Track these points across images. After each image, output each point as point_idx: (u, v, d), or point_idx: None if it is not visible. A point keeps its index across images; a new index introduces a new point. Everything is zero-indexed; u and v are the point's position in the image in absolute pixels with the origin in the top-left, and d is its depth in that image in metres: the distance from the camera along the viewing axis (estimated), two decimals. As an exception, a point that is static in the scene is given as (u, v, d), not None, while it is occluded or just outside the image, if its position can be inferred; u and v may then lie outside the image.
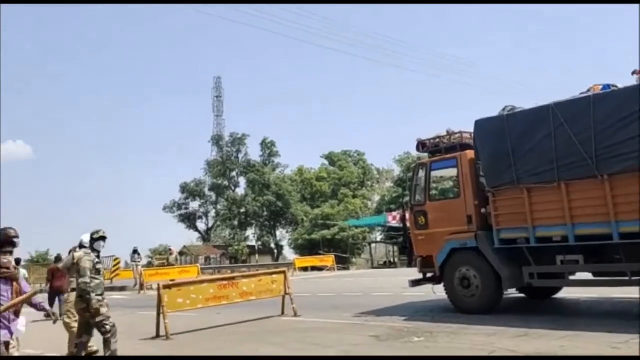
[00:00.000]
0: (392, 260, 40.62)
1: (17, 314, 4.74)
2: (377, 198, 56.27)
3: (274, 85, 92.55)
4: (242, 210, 55.81)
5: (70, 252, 8.06)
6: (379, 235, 49.68)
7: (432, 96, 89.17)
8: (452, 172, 9.95)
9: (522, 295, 10.42)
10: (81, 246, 7.60)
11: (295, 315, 10.45)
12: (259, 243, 57.40)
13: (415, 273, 10.64)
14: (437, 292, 9.92)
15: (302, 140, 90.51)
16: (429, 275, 10.14)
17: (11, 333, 4.67)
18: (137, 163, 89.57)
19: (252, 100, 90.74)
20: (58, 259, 13.89)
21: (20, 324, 4.81)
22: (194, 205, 60.14)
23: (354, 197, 53.40)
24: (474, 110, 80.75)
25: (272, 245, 58.79)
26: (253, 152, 59.32)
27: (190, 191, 58.70)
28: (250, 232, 58.42)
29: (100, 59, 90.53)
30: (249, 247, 55.47)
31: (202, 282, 10.67)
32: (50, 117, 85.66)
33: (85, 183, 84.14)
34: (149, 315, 9.27)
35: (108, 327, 6.56)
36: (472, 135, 9.52)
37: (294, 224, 55.04)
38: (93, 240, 6.85)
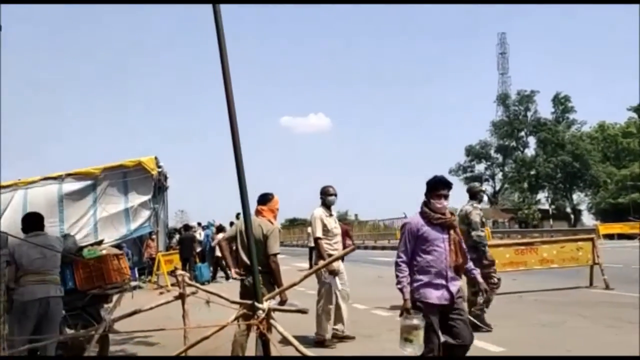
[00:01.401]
0: None
1: (458, 271, 3.99)
2: None
3: (562, 35, 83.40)
4: (532, 172, 52.41)
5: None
6: None
7: None
8: None
9: None
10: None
11: (607, 287, 9.20)
12: (552, 207, 53.27)
13: None
14: None
15: (603, 92, 79.78)
16: None
17: (450, 294, 3.86)
18: (422, 128, 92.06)
19: (540, 54, 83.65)
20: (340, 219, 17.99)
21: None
22: (480, 167, 59.15)
23: (676, 154, 44.87)
24: None
25: (568, 210, 53.87)
26: (543, 109, 54.97)
27: (476, 153, 57.74)
28: (542, 196, 54.72)
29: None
30: (540, 211, 51.98)
31: (497, 245, 10.25)
32: (345, 91, 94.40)
33: (377, 148, 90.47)
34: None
35: (495, 279, 6.86)
36: None
37: (594, 186, 49.33)
38: (480, 193, 7.26)
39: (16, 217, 6.34)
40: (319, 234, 6.30)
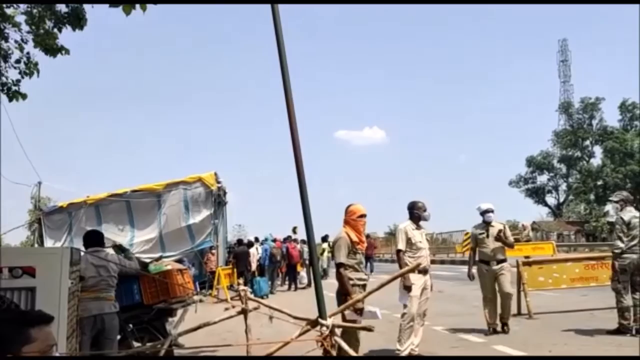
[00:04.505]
0: None
1: None
2: None
3: (627, 39, 79.72)
4: (599, 182, 50.02)
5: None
6: None
7: None
8: None
9: None
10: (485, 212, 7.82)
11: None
12: (623, 219, 50.45)
13: None
14: None
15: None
16: None
17: None
18: (481, 140, 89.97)
19: (604, 60, 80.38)
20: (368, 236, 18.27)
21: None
22: (542, 178, 57.13)
23: None
24: None
25: (639, 222, 50.90)
26: (610, 117, 52.60)
27: (537, 164, 55.79)
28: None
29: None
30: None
31: (566, 260, 9.81)
32: (397, 105, 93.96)
33: (433, 159, 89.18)
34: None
35: None
36: None
37: (668, 197, 46.42)
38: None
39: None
40: (400, 246, 6.26)
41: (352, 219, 5.17)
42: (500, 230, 7.68)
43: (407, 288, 5.97)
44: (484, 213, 7.78)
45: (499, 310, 7.53)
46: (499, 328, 7.50)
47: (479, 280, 7.78)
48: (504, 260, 7.66)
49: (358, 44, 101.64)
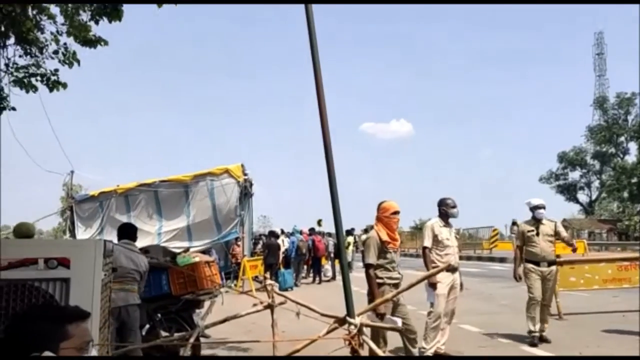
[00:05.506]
0: None
1: None
2: None
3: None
4: (634, 180, 48.66)
5: None
6: None
7: None
8: None
9: None
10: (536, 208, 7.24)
11: None
12: (657, 218, 49.09)
13: None
14: None
15: None
16: None
17: None
18: (511, 134, 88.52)
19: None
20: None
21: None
22: (574, 175, 55.90)
23: None
24: None
25: (674, 222, 49.44)
26: (646, 112, 50.92)
27: (570, 160, 54.60)
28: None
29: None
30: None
31: (599, 260, 9.57)
32: (426, 97, 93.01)
33: (462, 154, 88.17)
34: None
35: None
36: None
37: None
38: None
39: (118, 222, 6.72)
40: (427, 243, 6.15)
41: (385, 216, 5.10)
42: (554, 229, 7.11)
43: (432, 285, 5.90)
44: (534, 209, 7.19)
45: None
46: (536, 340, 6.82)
47: (525, 282, 7.17)
48: (554, 262, 7.19)
49: (387, 36, 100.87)
